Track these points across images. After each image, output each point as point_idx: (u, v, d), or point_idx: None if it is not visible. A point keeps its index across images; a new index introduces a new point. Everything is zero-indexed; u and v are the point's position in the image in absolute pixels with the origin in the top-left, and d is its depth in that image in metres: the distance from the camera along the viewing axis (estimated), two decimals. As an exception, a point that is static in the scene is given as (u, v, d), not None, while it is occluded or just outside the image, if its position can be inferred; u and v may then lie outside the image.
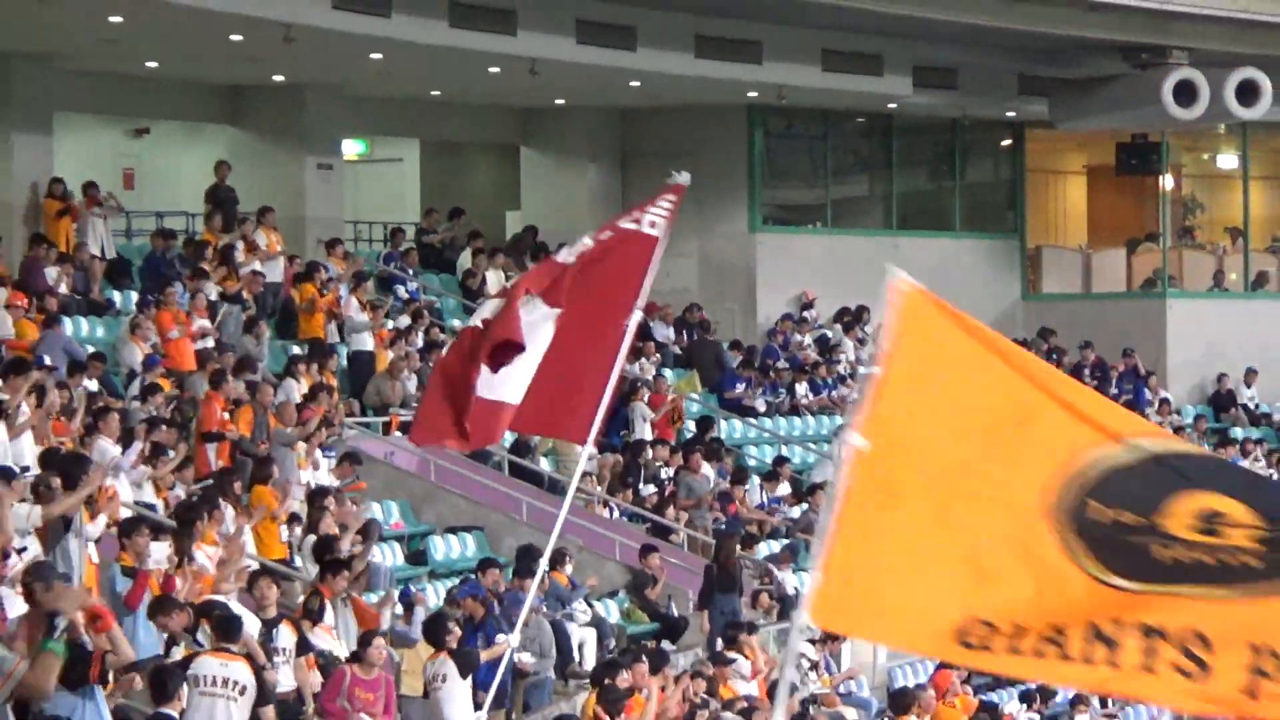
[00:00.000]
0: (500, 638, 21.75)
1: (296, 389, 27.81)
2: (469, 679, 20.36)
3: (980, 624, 8.62)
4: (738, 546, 27.92)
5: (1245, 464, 39.71)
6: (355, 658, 19.45)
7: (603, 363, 14.99)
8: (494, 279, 36.35)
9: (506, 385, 15.30)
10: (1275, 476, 39.46)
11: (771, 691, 23.52)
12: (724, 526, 30.37)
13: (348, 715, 18.84)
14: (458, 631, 21.03)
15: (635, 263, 15.65)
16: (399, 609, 23.23)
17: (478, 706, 19.90)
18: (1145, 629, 8.55)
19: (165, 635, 18.56)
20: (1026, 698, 27.98)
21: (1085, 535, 8.66)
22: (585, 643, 24.98)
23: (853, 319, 40.47)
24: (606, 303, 15.61)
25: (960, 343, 8.98)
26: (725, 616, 26.23)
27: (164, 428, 23.93)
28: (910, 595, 8.78)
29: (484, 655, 20.91)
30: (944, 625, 8.68)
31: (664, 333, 37.63)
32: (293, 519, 24.07)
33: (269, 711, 18.25)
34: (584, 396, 14.42)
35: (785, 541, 30.63)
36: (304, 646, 19.71)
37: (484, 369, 15.09)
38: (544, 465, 30.99)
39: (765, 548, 30.63)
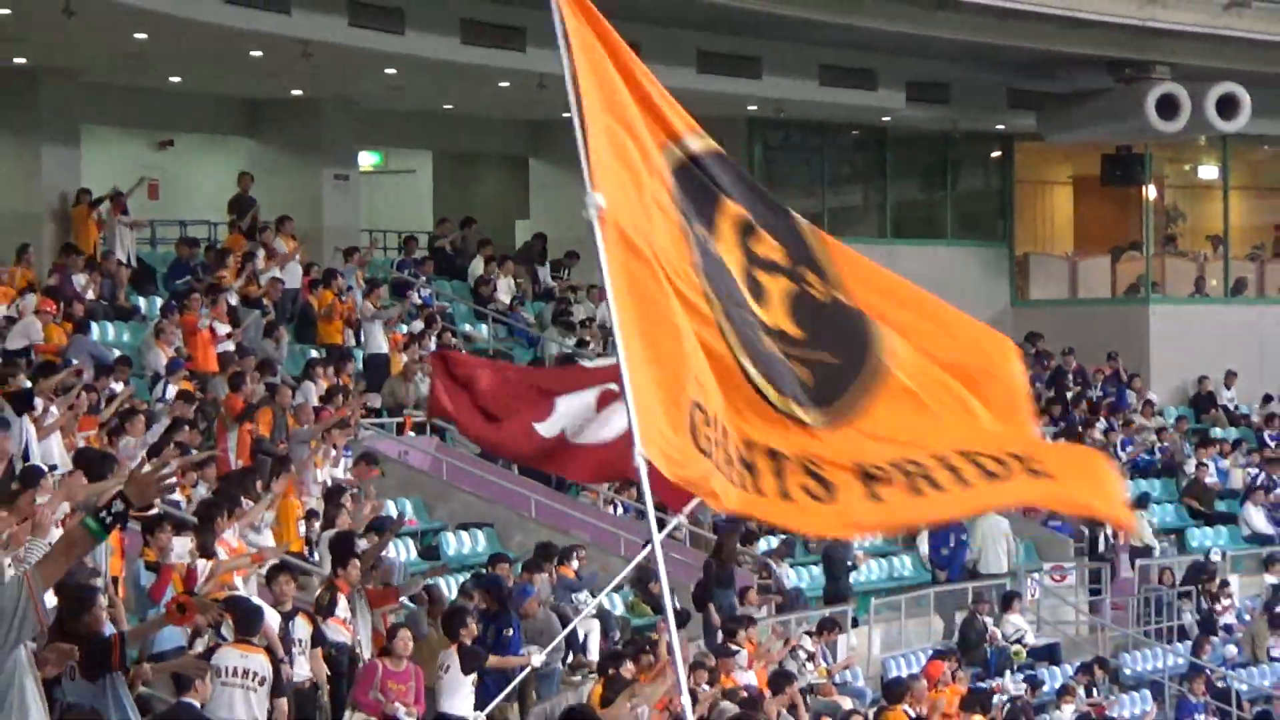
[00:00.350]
0: (525, 650, 21.84)
1: (314, 391, 27.87)
2: (471, 676, 20.40)
3: (697, 408, 8.64)
4: (738, 543, 27.89)
5: (1224, 464, 39.81)
6: (385, 651, 19.48)
7: None
8: (504, 285, 36.47)
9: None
10: (1260, 476, 39.52)
11: (771, 681, 23.56)
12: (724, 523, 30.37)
13: (381, 707, 18.87)
14: (474, 628, 21.00)
15: None
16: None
17: (480, 706, 19.91)
18: (770, 452, 8.68)
19: (189, 630, 18.66)
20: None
21: (709, 274, 8.87)
22: (590, 634, 25.02)
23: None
24: None
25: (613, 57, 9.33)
26: (724, 611, 26.27)
27: (187, 428, 24.00)
28: (668, 399, 8.78)
29: (499, 662, 20.95)
30: (685, 433, 8.65)
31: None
32: (310, 515, 24.13)
33: (282, 704, 18.31)
34: None
35: (782, 537, 30.61)
36: (318, 639, 19.78)
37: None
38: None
39: (764, 543, 30.63)
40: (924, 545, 32.15)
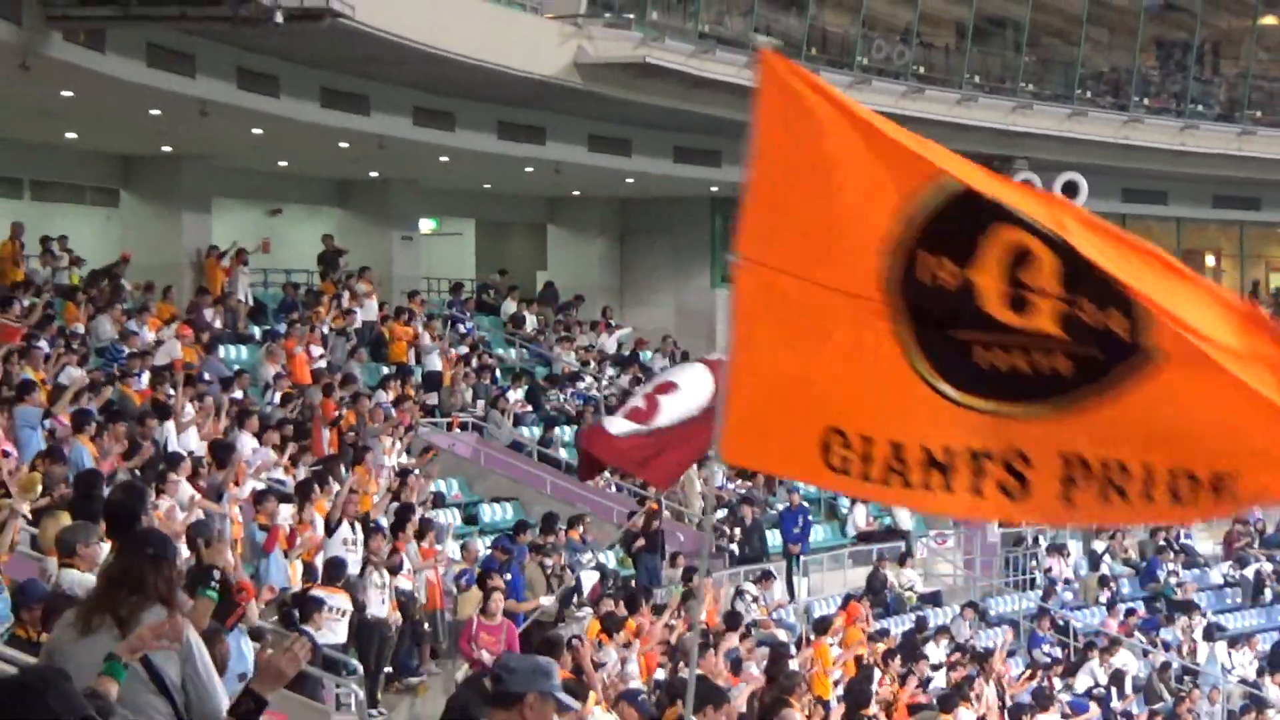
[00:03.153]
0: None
1: (386, 399, 27.84)
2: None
3: (834, 433, 7.03)
4: (656, 521, 27.27)
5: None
6: (482, 610, 19.21)
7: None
8: (530, 320, 36.58)
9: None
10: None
11: (726, 619, 23.44)
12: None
13: (473, 653, 18.74)
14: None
15: None
16: (458, 555, 23.27)
17: None
18: (973, 454, 6.97)
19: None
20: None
21: (916, 316, 6.86)
22: (591, 582, 24.95)
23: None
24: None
25: (821, 117, 7.22)
26: (649, 572, 26.03)
27: (290, 426, 23.99)
28: (788, 419, 7.21)
29: (515, 606, 20.83)
30: (813, 446, 7.08)
31: (655, 362, 37.67)
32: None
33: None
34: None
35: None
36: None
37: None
38: (562, 454, 30.98)
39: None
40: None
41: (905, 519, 33.47)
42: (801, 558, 30.18)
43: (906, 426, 6.93)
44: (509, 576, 21.45)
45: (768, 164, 7.36)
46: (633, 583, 25.29)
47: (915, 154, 7.00)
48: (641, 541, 26.24)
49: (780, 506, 31.19)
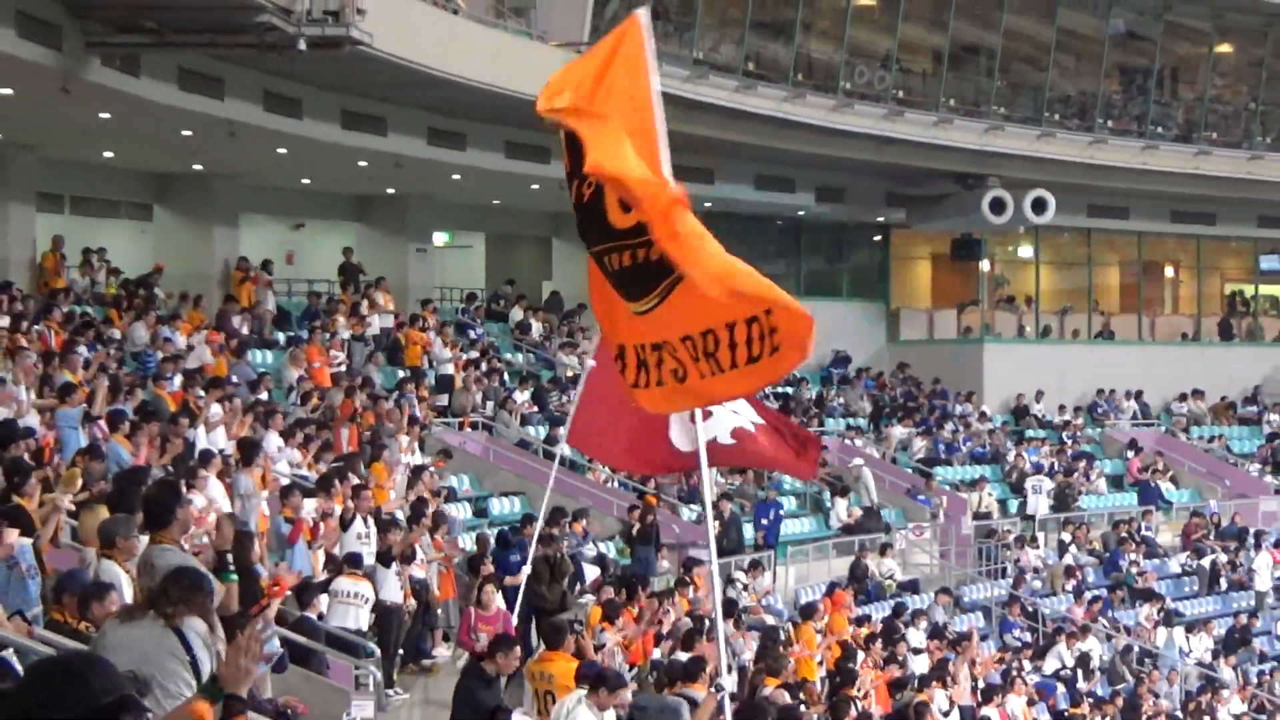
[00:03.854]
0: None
1: (413, 402, 27.82)
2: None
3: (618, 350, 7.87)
4: (651, 515, 27.23)
5: (1033, 457, 39.81)
6: (478, 602, 19.03)
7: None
8: (536, 327, 36.55)
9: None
10: (1056, 466, 39.55)
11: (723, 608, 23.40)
12: (685, 495, 30.27)
13: (474, 644, 18.66)
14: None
15: None
16: (468, 545, 23.25)
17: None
18: (653, 345, 7.74)
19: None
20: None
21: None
22: (592, 572, 24.97)
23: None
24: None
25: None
26: (643, 563, 26.01)
27: (313, 426, 24.01)
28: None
29: (510, 580, 20.83)
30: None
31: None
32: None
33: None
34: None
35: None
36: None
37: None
38: (565, 450, 30.94)
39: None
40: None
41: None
42: (775, 550, 30.13)
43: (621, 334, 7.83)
44: (516, 557, 21.47)
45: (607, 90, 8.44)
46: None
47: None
48: (638, 527, 26.21)
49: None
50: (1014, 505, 38.13)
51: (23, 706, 4.08)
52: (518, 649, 14.61)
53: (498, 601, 19.15)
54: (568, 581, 23.26)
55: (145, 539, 10.44)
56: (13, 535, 10.85)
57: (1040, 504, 37.65)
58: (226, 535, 10.06)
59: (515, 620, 18.40)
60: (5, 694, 4.17)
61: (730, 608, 22.92)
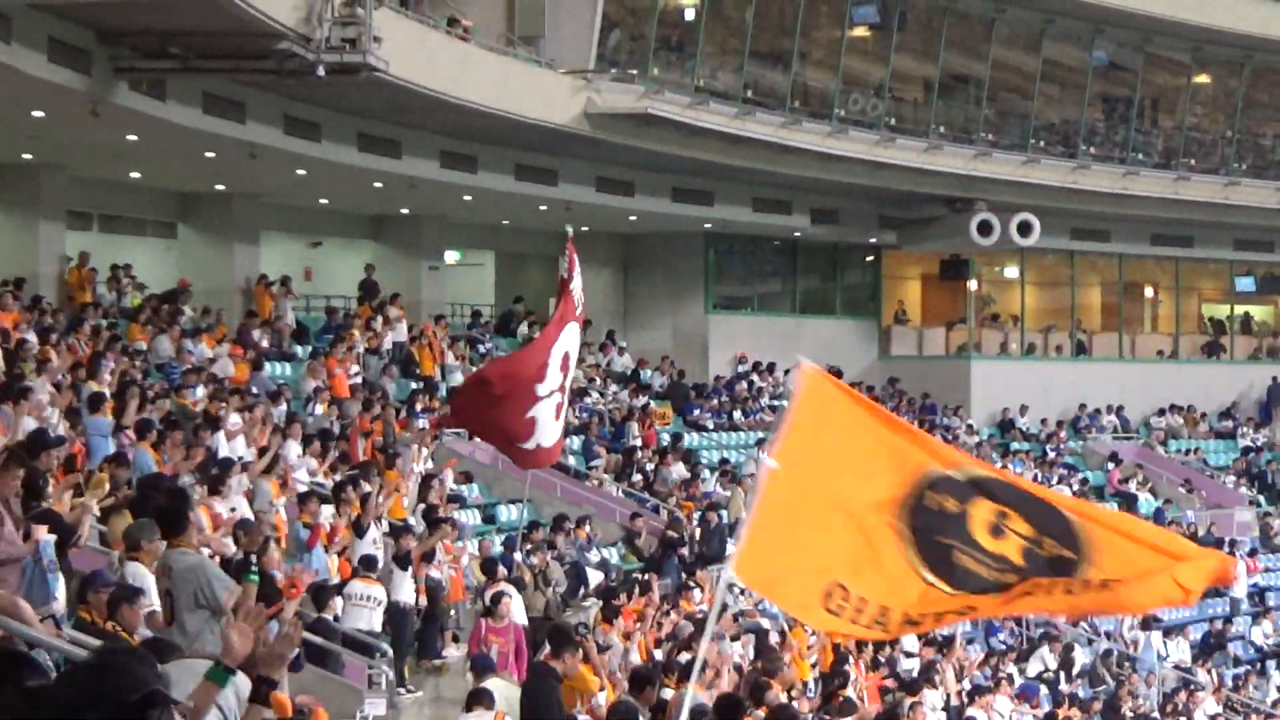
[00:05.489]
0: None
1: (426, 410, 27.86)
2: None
3: (839, 588, 8.34)
4: (674, 532, 27.33)
5: (1019, 469, 39.76)
6: (489, 613, 18.72)
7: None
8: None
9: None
10: (1038, 477, 39.53)
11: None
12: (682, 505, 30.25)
13: (485, 653, 18.57)
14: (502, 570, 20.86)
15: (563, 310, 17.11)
16: (475, 550, 23.22)
17: None
18: (936, 615, 8.44)
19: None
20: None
21: (916, 528, 8.42)
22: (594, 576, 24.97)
23: (767, 369, 40.50)
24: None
25: (845, 404, 8.83)
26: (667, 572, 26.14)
27: (328, 436, 24.01)
28: (796, 570, 8.53)
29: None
30: (815, 592, 8.41)
31: (654, 379, 37.70)
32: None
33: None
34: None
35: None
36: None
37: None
38: (570, 461, 30.97)
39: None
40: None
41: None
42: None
43: (894, 597, 8.31)
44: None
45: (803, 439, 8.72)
46: (637, 575, 25.27)
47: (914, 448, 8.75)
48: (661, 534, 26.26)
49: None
50: (999, 515, 38.07)
51: (53, 706, 4.09)
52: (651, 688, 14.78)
53: (513, 613, 19.00)
54: (566, 589, 23.26)
55: (164, 544, 10.48)
56: (41, 531, 10.86)
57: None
58: (256, 539, 10.10)
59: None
60: (37, 694, 4.17)
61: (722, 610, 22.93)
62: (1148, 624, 33.12)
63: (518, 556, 21.50)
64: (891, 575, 8.34)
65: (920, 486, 8.48)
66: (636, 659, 18.96)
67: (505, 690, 15.35)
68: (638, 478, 31.26)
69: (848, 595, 8.30)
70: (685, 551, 27.41)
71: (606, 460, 31.07)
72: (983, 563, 8.31)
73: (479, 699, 14.33)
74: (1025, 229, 39.91)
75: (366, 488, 20.79)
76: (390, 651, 17.84)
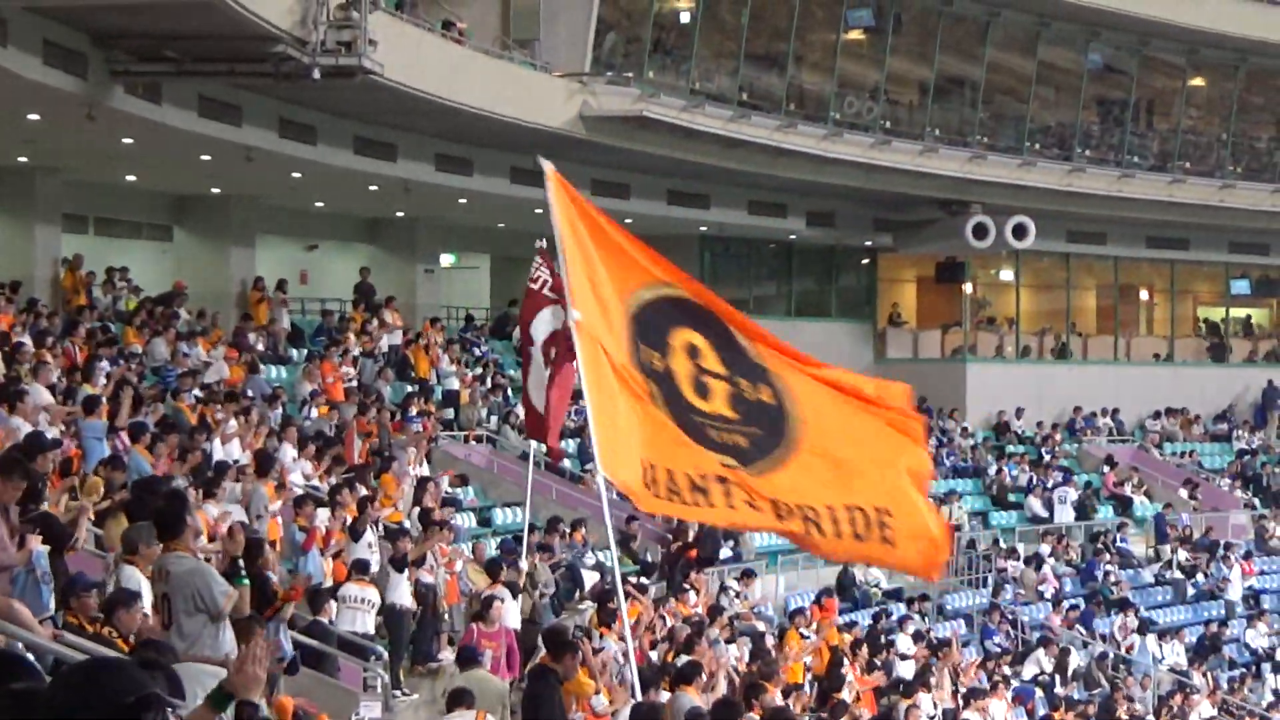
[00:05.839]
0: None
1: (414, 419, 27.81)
2: (518, 598, 20.29)
3: (648, 466, 8.54)
4: (679, 544, 27.40)
5: (1015, 470, 39.77)
6: (479, 617, 18.62)
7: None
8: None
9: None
10: (1034, 480, 39.51)
11: (709, 610, 23.44)
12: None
13: (471, 644, 18.46)
14: (505, 568, 20.83)
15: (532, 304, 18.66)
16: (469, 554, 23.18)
17: None
18: (719, 478, 8.50)
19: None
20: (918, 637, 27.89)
21: (658, 384, 8.73)
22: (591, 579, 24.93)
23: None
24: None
25: (580, 207, 9.33)
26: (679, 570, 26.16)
27: (324, 440, 23.98)
28: (626, 448, 8.71)
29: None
30: (637, 474, 8.62)
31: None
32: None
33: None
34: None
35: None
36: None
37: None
38: (565, 464, 30.96)
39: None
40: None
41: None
42: (779, 557, 30.14)
43: (674, 458, 8.46)
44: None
45: (569, 248, 9.28)
46: (635, 578, 25.25)
47: (637, 261, 9.04)
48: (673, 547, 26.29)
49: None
50: (995, 518, 38.12)
51: (49, 709, 4.07)
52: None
53: (506, 618, 18.94)
54: (561, 591, 23.23)
55: (160, 547, 10.45)
56: (35, 541, 10.83)
57: (1065, 513, 37.87)
58: (239, 542, 10.08)
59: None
60: (31, 697, 4.16)
61: (716, 612, 22.92)
62: (1142, 627, 33.14)
63: (523, 564, 21.46)
64: (663, 433, 8.57)
65: (631, 307, 8.74)
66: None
67: (482, 685, 15.28)
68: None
69: (654, 465, 8.50)
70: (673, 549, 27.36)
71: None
72: (709, 424, 8.53)
73: (460, 699, 14.31)
74: (1020, 232, 39.92)
75: (362, 491, 20.74)
76: (386, 654, 17.81)
